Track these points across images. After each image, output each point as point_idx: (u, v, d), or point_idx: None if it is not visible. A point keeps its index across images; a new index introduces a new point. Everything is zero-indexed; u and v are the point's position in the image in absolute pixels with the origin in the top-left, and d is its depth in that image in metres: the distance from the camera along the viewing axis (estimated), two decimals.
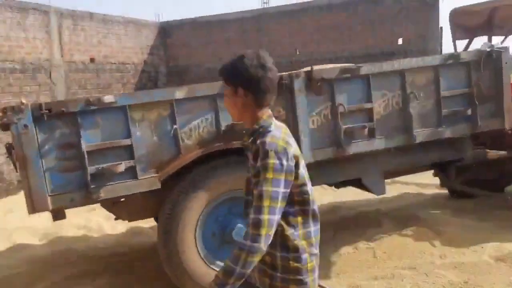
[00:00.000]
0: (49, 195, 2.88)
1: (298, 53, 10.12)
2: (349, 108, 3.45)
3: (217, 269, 3.25)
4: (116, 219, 3.77)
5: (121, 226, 5.56)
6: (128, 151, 3.02)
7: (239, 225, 3.31)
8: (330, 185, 4.32)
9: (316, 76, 3.34)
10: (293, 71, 3.46)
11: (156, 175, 3.08)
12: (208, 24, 11.37)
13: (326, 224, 4.61)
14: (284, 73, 3.42)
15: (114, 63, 10.33)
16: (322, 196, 6.01)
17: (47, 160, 2.88)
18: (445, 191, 5.61)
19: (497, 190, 5.17)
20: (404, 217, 4.69)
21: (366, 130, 3.49)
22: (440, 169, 4.70)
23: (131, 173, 3.03)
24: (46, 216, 6.21)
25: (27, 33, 8.35)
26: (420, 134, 3.69)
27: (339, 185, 4.32)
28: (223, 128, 3.20)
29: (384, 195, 5.51)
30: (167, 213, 3.16)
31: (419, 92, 3.64)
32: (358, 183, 3.99)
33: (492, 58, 3.85)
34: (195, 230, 3.21)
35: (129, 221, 3.61)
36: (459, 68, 3.80)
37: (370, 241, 4.04)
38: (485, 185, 5.03)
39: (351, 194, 6.23)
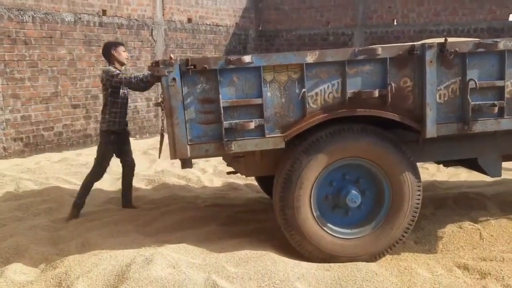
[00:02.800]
0: (189, 144, 3.14)
1: (395, 23, 9.71)
2: (480, 84, 3.32)
3: (328, 231, 3.38)
4: (234, 173, 3.98)
5: (216, 180, 5.89)
6: (259, 110, 3.17)
7: (354, 191, 3.39)
8: (441, 162, 4.23)
9: (449, 48, 3.23)
10: (424, 41, 3.38)
11: (282, 135, 3.21)
12: None
13: (425, 200, 4.56)
14: (416, 43, 3.34)
15: (209, 24, 10.59)
16: None
17: (188, 112, 3.12)
18: None
19: None
20: (509, 202, 4.50)
21: (496, 108, 3.35)
22: None
23: (260, 131, 3.19)
24: (147, 164, 6.73)
25: None
26: None
27: (450, 163, 4.21)
28: (349, 95, 3.23)
29: (483, 179, 5.35)
30: (288, 169, 3.29)
31: None
32: (471, 163, 3.87)
33: None
34: (311, 189, 3.32)
35: (246, 176, 3.80)
36: None
37: (475, 222, 3.94)
38: None
39: (443, 175, 6.09)
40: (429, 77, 3.26)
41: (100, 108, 4.62)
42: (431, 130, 3.32)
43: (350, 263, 3.30)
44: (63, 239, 3.81)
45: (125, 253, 3.24)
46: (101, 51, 4.61)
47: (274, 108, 3.19)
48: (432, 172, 6.18)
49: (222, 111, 3.10)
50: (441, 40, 3.29)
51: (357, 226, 3.47)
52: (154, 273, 2.87)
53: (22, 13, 7.07)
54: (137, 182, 5.67)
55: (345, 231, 3.44)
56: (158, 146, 3.88)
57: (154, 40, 9.27)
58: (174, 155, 3.15)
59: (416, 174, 3.44)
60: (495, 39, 3.35)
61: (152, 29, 9.20)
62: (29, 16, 7.16)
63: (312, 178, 3.30)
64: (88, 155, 7.36)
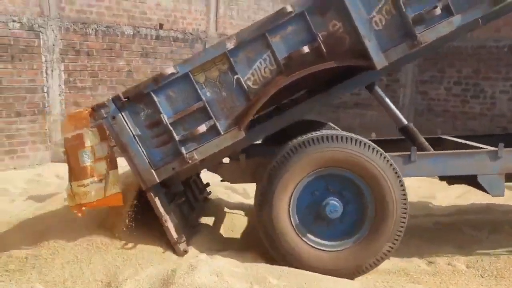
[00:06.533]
0: (154, 170, 3.22)
1: None
2: None
3: (308, 242, 3.28)
4: (222, 180, 3.94)
5: None
6: (205, 112, 3.20)
7: (334, 202, 3.29)
8: (443, 179, 4.07)
9: None
10: None
11: (237, 126, 3.23)
12: None
13: (480, 223, 4.37)
14: None
15: None
16: (470, 195, 5.65)
17: (142, 140, 3.19)
18: None
19: None
20: None
21: (438, 9, 3.14)
22: None
23: (214, 131, 3.23)
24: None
25: (190, 5, 9.11)
26: None
27: (452, 180, 4.03)
28: (283, 62, 3.17)
29: None
30: (265, 182, 3.26)
31: None
32: (472, 181, 3.67)
33: None
34: (291, 197, 3.26)
35: (231, 182, 3.76)
36: None
37: None
38: None
39: (503, 199, 5.76)
40: (354, 9, 3.12)
41: None
42: (378, 60, 3.19)
43: (396, 283, 3.20)
44: None
45: (172, 258, 3.33)
46: None
47: (219, 104, 3.21)
48: (488, 194, 5.87)
49: (171, 128, 3.16)
50: None
51: (341, 238, 3.35)
52: (198, 280, 2.92)
53: (86, 26, 7.53)
54: None
55: (327, 243, 3.33)
56: None
57: None
58: (144, 185, 3.22)
59: (402, 188, 3.27)
60: None
61: (205, 43, 9.47)
62: (92, 29, 7.60)
63: (292, 185, 3.23)
64: None
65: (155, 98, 3.17)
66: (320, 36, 3.16)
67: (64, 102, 7.41)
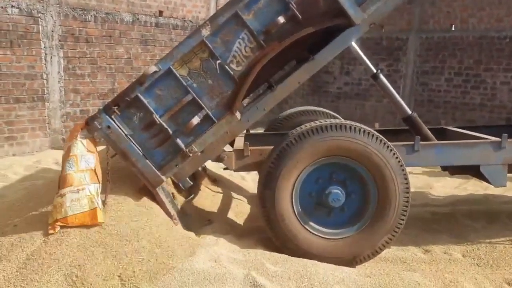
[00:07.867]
0: (159, 170, 3.24)
1: (453, 29, 9.35)
2: None
3: (308, 228, 3.28)
4: (225, 169, 3.88)
5: None
6: (195, 104, 3.22)
7: (336, 190, 3.28)
8: (445, 169, 4.07)
9: None
10: None
11: (229, 111, 3.26)
12: None
13: (477, 213, 4.40)
14: None
15: None
16: (467, 185, 5.67)
17: (140, 144, 3.22)
18: None
19: None
20: None
21: None
22: None
23: (209, 120, 3.26)
24: None
25: None
26: None
27: (454, 170, 4.02)
28: (261, 38, 3.15)
29: None
30: (271, 163, 3.23)
31: None
32: (475, 171, 3.66)
33: None
34: (294, 184, 3.24)
35: (235, 171, 3.68)
36: None
37: None
38: None
39: (500, 189, 5.80)
40: None
41: None
42: (356, 14, 3.18)
43: (393, 271, 3.23)
44: None
45: (169, 244, 3.34)
46: None
47: (207, 93, 3.22)
48: (485, 185, 5.91)
49: (166, 126, 3.19)
50: None
51: (341, 226, 3.35)
52: (196, 265, 2.95)
53: (85, 12, 7.47)
54: None
55: (328, 230, 3.34)
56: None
57: None
58: (152, 187, 3.25)
59: (405, 178, 3.26)
60: None
61: None
62: (91, 16, 7.56)
63: (294, 175, 3.22)
64: None
65: (144, 100, 3.19)
66: (293, 4, 3.15)
67: (64, 89, 7.39)
